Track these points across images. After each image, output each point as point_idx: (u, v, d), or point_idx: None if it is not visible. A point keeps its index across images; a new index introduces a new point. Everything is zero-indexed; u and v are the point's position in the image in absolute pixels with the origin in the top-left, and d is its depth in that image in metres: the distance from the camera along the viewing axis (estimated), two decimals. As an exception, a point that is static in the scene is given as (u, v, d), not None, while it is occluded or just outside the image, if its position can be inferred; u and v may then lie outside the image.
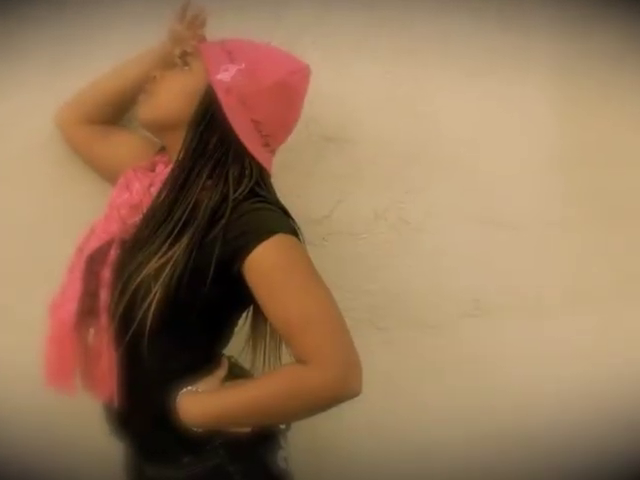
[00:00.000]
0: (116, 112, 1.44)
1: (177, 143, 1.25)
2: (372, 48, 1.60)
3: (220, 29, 1.32)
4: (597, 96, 1.77)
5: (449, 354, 1.76)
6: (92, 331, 1.28)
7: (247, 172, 1.24)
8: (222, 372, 1.26)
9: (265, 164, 1.27)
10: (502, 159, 1.73)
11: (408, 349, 1.73)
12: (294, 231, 1.23)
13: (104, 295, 1.22)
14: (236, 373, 1.30)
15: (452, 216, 1.71)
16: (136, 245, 1.23)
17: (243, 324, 1.33)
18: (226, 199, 1.20)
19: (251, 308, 1.30)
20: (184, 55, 1.29)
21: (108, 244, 1.26)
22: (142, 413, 1.25)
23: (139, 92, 1.34)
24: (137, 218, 1.27)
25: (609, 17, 1.74)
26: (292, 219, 1.26)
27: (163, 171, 1.29)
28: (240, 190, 1.22)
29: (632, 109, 1.79)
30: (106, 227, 1.27)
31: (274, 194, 1.30)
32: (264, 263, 1.15)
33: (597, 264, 1.83)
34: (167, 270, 1.16)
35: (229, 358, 1.33)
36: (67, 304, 1.25)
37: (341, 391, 1.15)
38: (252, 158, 1.25)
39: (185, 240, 1.17)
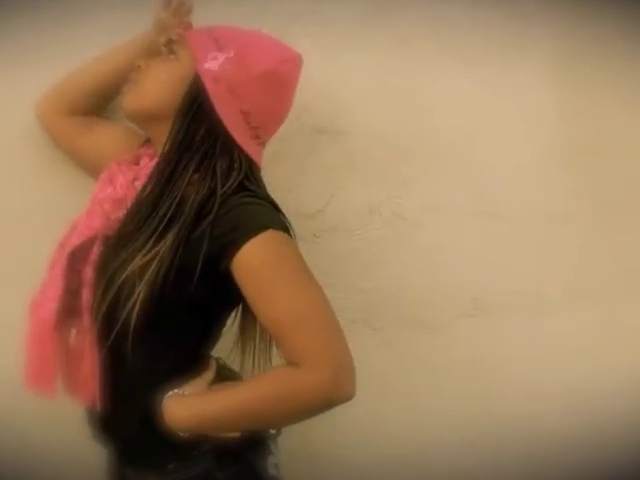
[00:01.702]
0: (99, 103, 1.40)
1: (163, 135, 1.22)
2: (365, 37, 1.59)
3: (207, 16, 1.29)
4: (598, 83, 1.77)
5: (447, 355, 1.74)
6: (74, 331, 1.25)
7: (236, 165, 1.22)
8: (210, 374, 1.24)
9: (254, 157, 1.25)
10: (501, 150, 1.73)
11: (404, 350, 1.72)
12: (285, 227, 1.20)
13: (86, 294, 1.20)
14: (224, 375, 1.27)
15: (449, 211, 1.70)
16: (120, 242, 1.20)
17: (232, 324, 1.30)
18: (214, 193, 1.18)
19: (240, 307, 1.27)
20: (170, 43, 1.27)
21: (90, 241, 1.23)
22: (126, 417, 1.22)
23: (123, 82, 1.31)
24: (121, 213, 1.24)
25: (607, 3, 1.74)
26: (283, 214, 1.24)
27: (148, 164, 1.26)
28: (228, 184, 1.19)
29: (634, 96, 1.78)
30: (88, 223, 1.25)
31: (264, 188, 1.27)
32: (253, 260, 1.13)
33: (600, 259, 1.84)
34: (152, 268, 1.13)
35: (217, 360, 1.30)
36: (48, 303, 1.23)
37: (334, 394, 1.13)
38: (241, 150, 1.22)
39: (171, 236, 1.15)
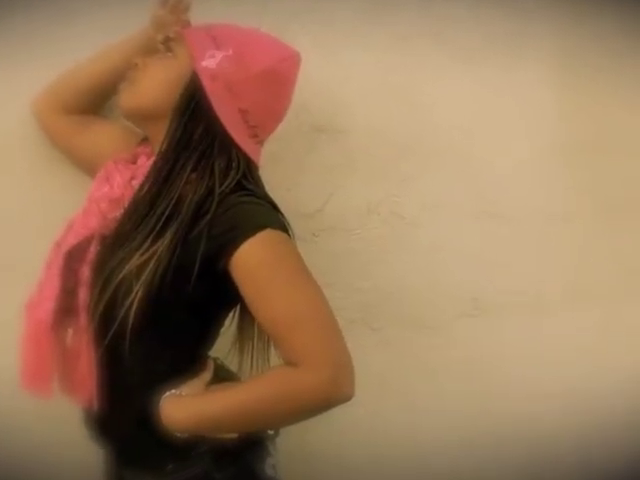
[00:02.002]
0: (96, 101, 1.39)
1: (160, 134, 1.21)
2: (364, 35, 1.58)
3: (205, 14, 1.28)
4: (598, 82, 1.75)
5: (446, 355, 1.73)
6: (71, 331, 1.24)
7: (234, 164, 1.21)
8: (207, 375, 1.23)
9: (253, 156, 1.24)
10: (501, 149, 1.72)
11: (403, 350, 1.71)
12: (283, 226, 1.19)
13: (83, 294, 1.19)
14: (222, 376, 1.27)
15: (449, 210, 1.69)
16: (117, 241, 1.19)
17: (230, 324, 1.30)
18: (211, 193, 1.17)
19: (238, 307, 1.26)
20: (167, 41, 1.26)
21: (87, 240, 1.22)
22: (123, 418, 1.21)
23: (120, 80, 1.30)
24: (118, 213, 1.23)
25: (608, 0, 1.73)
26: (281, 213, 1.23)
27: (145, 163, 1.26)
28: (226, 183, 1.18)
29: (635, 94, 1.77)
30: (85, 222, 1.24)
31: (262, 187, 1.26)
32: (251, 260, 1.12)
33: (600, 258, 1.83)
34: (150, 267, 1.13)
35: (215, 360, 1.29)
36: (44, 303, 1.22)
37: (333, 394, 1.12)
38: (239, 149, 1.21)
39: (168, 236, 1.14)
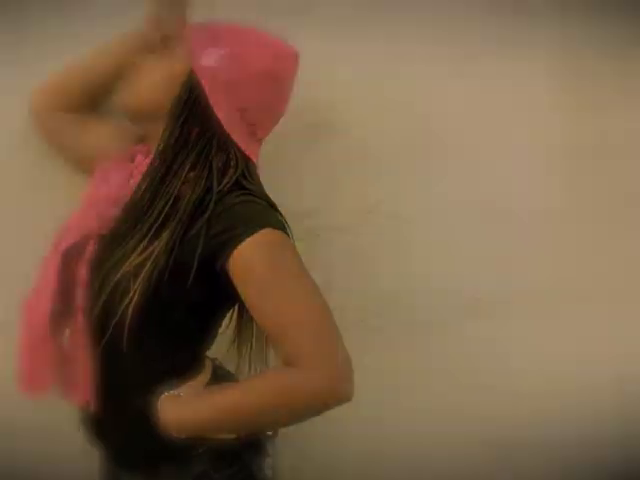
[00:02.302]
0: (93, 100, 1.38)
1: (158, 132, 1.21)
2: (364, 33, 1.57)
3: (204, 12, 1.27)
4: (601, 80, 1.74)
5: (447, 356, 1.72)
6: (68, 332, 1.24)
7: (232, 163, 1.21)
8: (205, 375, 1.24)
9: (251, 154, 1.23)
10: (501, 149, 1.70)
11: (403, 351, 1.69)
12: (282, 226, 1.19)
13: (80, 294, 1.19)
14: (220, 376, 1.27)
15: (449, 208, 1.68)
16: (114, 241, 1.19)
17: (228, 324, 1.30)
18: (209, 192, 1.17)
19: (236, 307, 1.26)
20: (165, 39, 1.25)
21: (85, 239, 1.22)
22: (121, 418, 1.21)
23: (118, 79, 1.29)
24: (115, 212, 1.23)
25: (610, 1, 1.72)
26: (280, 213, 1.23)
27: (143, 162, 1.25)
28: (224, 182, 1.18)
29: (637, 95, 1.77)
30: (82, 222, 1.23)
31: (261, 186, 1.26)
32: (250, 260, 1.11)
33: (602, 258, 1.81)
34: (147, 267, 1.12)
35: (213, 360, 1.29)
36: (41, 304, 1.21)
37: (332, 396, 1.11)
38: (237, 148, 1.21)
39: (166, 235, 1.14)
